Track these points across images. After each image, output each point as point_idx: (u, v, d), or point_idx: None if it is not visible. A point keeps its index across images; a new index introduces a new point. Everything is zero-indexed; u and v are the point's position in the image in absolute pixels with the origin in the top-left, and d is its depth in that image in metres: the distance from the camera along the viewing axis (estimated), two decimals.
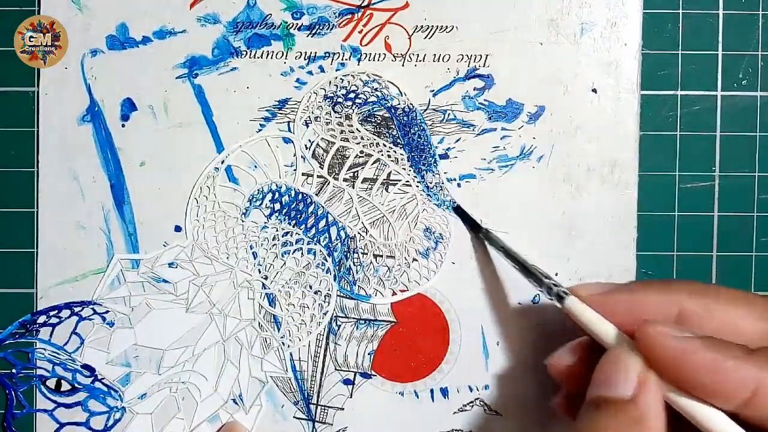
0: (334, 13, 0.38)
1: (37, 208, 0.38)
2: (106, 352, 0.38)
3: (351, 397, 0.38)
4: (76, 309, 0.38)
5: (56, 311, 0.38)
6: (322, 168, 0.39)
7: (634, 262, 0.38)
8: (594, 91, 0.38)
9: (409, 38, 0.38)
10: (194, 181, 0.38)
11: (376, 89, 0.38)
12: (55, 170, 0.38)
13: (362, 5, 0.38)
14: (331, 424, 0.38)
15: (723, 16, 0.39)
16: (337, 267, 0.38)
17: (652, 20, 0.39)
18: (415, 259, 0.38)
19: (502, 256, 0.36)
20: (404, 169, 0.38)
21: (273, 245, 0.38)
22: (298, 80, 0.38)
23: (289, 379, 0.38)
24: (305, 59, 0.38)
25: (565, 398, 0.34)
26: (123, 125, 0.38)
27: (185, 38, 0.38)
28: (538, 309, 0.38)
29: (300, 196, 0.38)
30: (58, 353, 0.38)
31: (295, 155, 0.39)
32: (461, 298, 0.38)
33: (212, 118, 0.38)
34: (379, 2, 0.38)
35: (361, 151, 0.38)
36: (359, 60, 0.38)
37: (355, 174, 0.39)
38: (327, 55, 0.38)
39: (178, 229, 0.38)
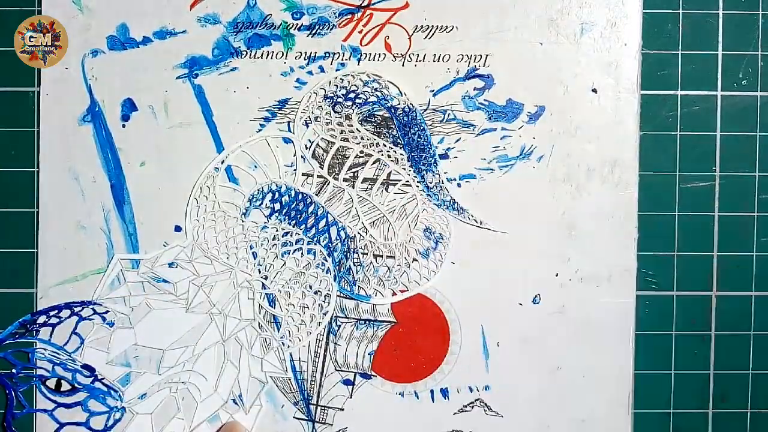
0: (334, 13, 0.38)
1: (37, 208, 0.38)
2: (106, 352, 0.38)
3: (351, 397, 0.38)
4: (76, 309, 0.38)
5: (56, 311, 0.38)
6: (322, 168, 0.39)
7: (634, 262, 0.38)
8: (594, 91, 0.38)
9: (409, 38, 0.38)
10: (194, 181, 0.38)
11: (376, 89, 0.38)
12: (55, 170, 0.38)
13: (362, 5, 0.38)
14: (331, 425, 0.38)
15: (723, 16, 0.39)
16: (337, 267, 0.38)
17: (652, 20, 0.39)
18: (415, 259, 0.38)
19: None
20: (404, 169, 0.38)
21: (273, 245, 0.38)
22: (298, 80, 0.38)
23: (289, 379, 0.38)
24: (305, 59, 0.38)
25: None
26: (123, 125, 0.38)
27: (185, 38, 0.38)
28: (538, 309, 0.38)
29: (300, 196, 0.38)
30: (58, 353, 0.38)
31: (295, 155, 0.39)
32: (461, 298, 0.38)
33: (212, 118, 0.38)
34: (379, 2, 0.38)
35: (361, 151, 0.38)
36: (359, 60, 0.38)
37: (355, 174, 0.39)
38: (327, 55, 0.38)
39: (178, 229, 0.38)
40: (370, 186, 0.39)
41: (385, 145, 0.38)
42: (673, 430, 0.39)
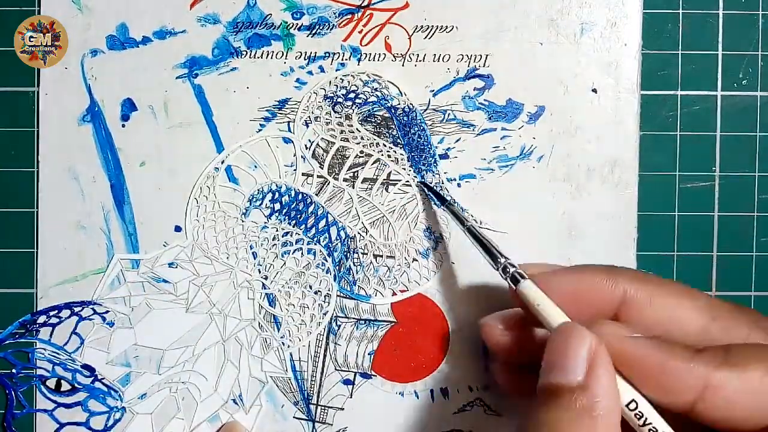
0: (334, 13, 0.38)
1: (37, 208, 0.38)
2: (106, 352, 0.38)
3: (351, 397, 0.38)
4: (76, 309, 0.38)
5: (56, 311, 0.38)
6: (322, 168, 0.39)
7: (634, 262, 0.38)
8: (594, 91, 0.38)
9: (409, 38, 0.38)
10: (194, 181, 0.38)
11: (376, 89, 0.38)
12: (55, 170, 0.38)
13: (362, 5, 0.38)
14: (331, 424, 0.38)
15: (723, 16, 0.39)
16: (337, 267, 0.38)
17: (652, 20, 0.39)
18: (415, 259, 0.38)
19: (464, 232, 0.35)
20: (404, 169, 0.38)
21: (273, 245, 0.38)
22: (298, 80, 0.38)
23: (289, 379, 0.38)
24: (305, 59, 0.38)
25: (500, 366, 0.35)
26: (123, 125, 0.38)
27: (185, 38, 0.38)
28: None
29: (300, 196, 0.38)
30: (58, 353, 0.38)
31: (295, 155, 0.39)
32: (461, 298, 0.38)
33: (212, 118, 0.38)
34: (379, 2, 0.38)
35: (361, 151, 0.38)
36: (359, 60, 0.38)
37: (355, 174, 0.39)
38: (327, 55, 0.38)
39: (178, 229, 0.38)
40: (370, 186, 0.39)
41: (385, 145, 0.38)
42: None
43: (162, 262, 0.38)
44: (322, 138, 0.38)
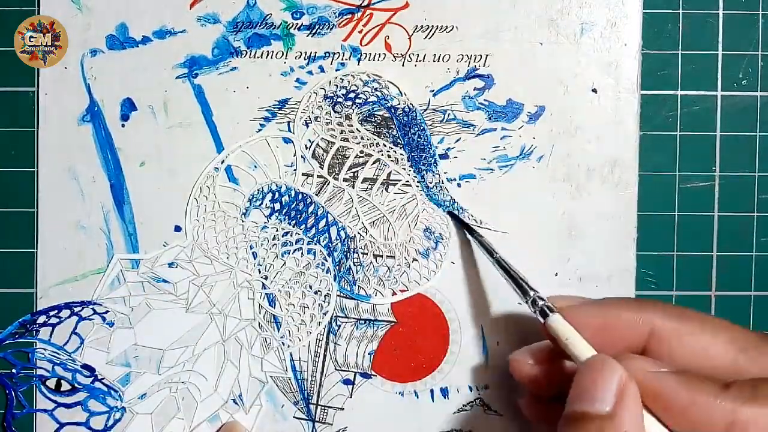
0: (334, 13, 0.38)
1: (37, 208, 0.38)
2: (106, 352, 0.38)
3: (351, 397, 0.38)
4: (76, 309, 0.38)
5: (56, 311, 0.38)
6: (322, 168, 0.39)
7: (634, 262, 0.38)
8: (594, 91, 0.38)
9: (409, 38, 0.38)
10: (194, 181, 0.38)
11: (376, 89, 0.38)
12: (55, 170, 0.38)
13: (362, 5, 0.38)
14: (331, 424, 0.38)
15: (723, 16, 0.39)
16: (337, 267, 0.38)
17: (652, 20, 0.39)
18: (415, 259, 0.38)
19: (492, 262, 0.35)
20: (404, 169, 0.38)
21: (273, 245, 0.38)
22: (298, 80, 0.38)
23: (289, 379, 0.38)
24: (305, 59, 0.38)
25: (528, 399, 0.35)
26: (123, 125, 0.38)
27: (185, 38, 0.38)
28: None
29: (300, 196, 0.38)
30: (58, 353, 0.38)
31: (295, 155, 0.39)
32: (461, 298, 0.38)
33: (212, 118, 0.38)
34: (379, 2, 0.38)
35: (361, 151, 0.38)
36: (359, 60, 0.38)
37: (355, 174, 0.39)
38: (327, 55, 0.38)
39: (178, 229, 0.38)
40: (370, 186, 0.39)
41: (385, 145, 0.38)
42: None
43: (162, 262, 0.38)
44: (322, 138, 0.38)
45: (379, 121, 0.38)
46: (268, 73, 0.38)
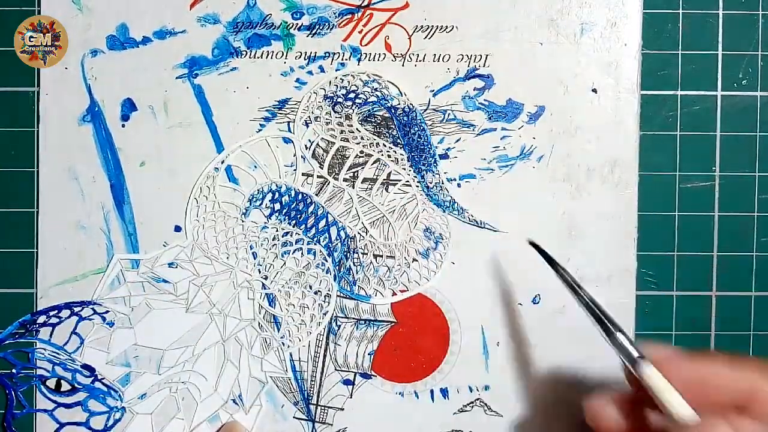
0: (334, 13, 0.38)
1: (37, 208, 0.38)
2: (106, 352, 0.38)
3: (351, 397, 0.38)
4: (76, 309, 0.38)
5: (56, 311, 0.38)
6: (322, 168, 0.39)
7: (634, 262, 0.38)
8: (594, 91, 0.38)
9: (409, 38, 0.38)
10: (194, 181, 0.38)
11: (376, 89, 0.38)
12: (55, 170, 0.38)
13: (362, 5, 0.38)
14: (331, 425, 0.38)
15: (723, 16, 0.39)
16: (337, 267, 0.38)
17: (652, 20, 0.39)
18: (415, 259, 0.38)
19: (577, 301, 0.33)
20: (404, 169, 0.38)
21: (273, 245, 0.38)
22: (298, 80, 0.38)
23: (289, 379, 0.38)
24: (305, 59, 0.38)
25: None
26: (123, 125, 0.38)
27: (185, 38, 0.38)
28: (538, 309, 0.38)
29: (300, 196, 0.38)
30: (58, 353, 0.38)
31: (295, 155, 0.39)
32: (461, 298, 0.38)
33: (212, 118, 0.38)
34: (379, 2, 0.38)
35: (361, 151, 0.38)
36: (359, 60, 0.38)
37: (355, 174, 0.39)
38: (327, 55, 0.38)
39: (178, 229, 0.38)
40: (370, 186, 0.39)
41: (385, 145, 0.38)
42: None
43: (162, 262, 0.38)
44: (322, 138, 0.38)
45: (379, 121, 0.38)
46: (268, 73, 0.38)
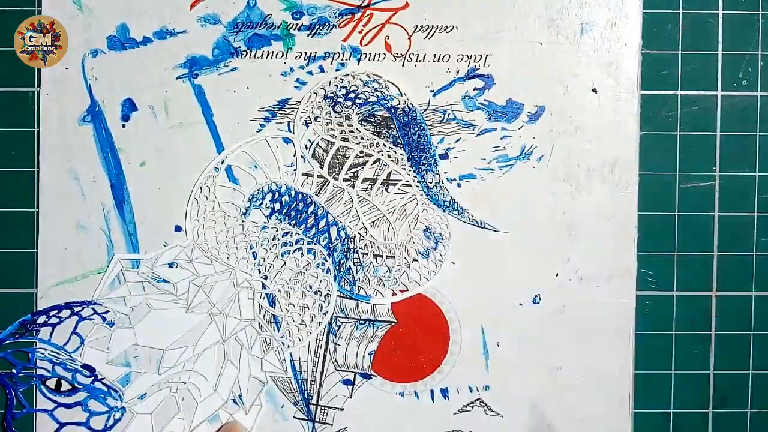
0: (334, 13, 0.38)
1: (37, 208, 0.38)
2: (106, 352, 0.38)
3: (351, 397, 0.38)
4: (76, 309, 0.38)
5: (56, 311, 0.38)
6: (322, 168, 0.39)
7: (634, 262, 0.38)
8: (594, 91, 0.38)
9: (409, 38, 0.38)
10: (194, 181, 0.38)
11: (376, 89, 0.38)
12: (55, 170, 0.38)
13: (362, 5, 0.38)
14: (331, 424, 0.38)
15: (723, 16, 0.39)
16: (337, 267, 0.38)
17: (652, 20, 0.39)
18: (415, 259, 0.38)
19: None
20: (404, 169, 0.38)
21: (273, 245, 0.38)
22: (298, 80, 0.38)
23: (289, 379, 0.38)
24: (305, 59, 0.38)
25: None
26: (123, 125, 0.38)
27: (185, 38, 0.38)
28: (538, 309, 0.38)
29: (300, 196, 0.39)
30: (58, 353, 0.38)
31: (295, 155, 0.39)
32: (461, 298, 0.38)
33: (212, 118, 0.38)
34: (379, 2, 0.38)
35: (361, 151, 0.38)
36: (359, 60, 0.38)
37: (355, 174, 0.39)
38: (327, 55, 0.38)
39: (178, 229, 0.38)
40: (370, 186, 0.39)
41: (385, 145, 0.38)
42: (673, 430, 0.39)
43: (162, 262, 0.38)
44: (322, 138, 0.38)
45: (379, 121, 0.38)
46: (268, 73, 0.38)
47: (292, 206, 0.39)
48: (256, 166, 0.38)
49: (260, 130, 0.38)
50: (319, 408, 0.38)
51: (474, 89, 0.38)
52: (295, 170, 0.39)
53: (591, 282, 0.38)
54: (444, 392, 0.38)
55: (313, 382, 0.38)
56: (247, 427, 0.38)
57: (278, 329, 0.38)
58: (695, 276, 0.39)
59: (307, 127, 0.38)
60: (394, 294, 0.38)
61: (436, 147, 0.38)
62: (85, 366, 0.38)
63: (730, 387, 0.39)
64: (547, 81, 0.38)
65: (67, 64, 0.38)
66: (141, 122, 0.38)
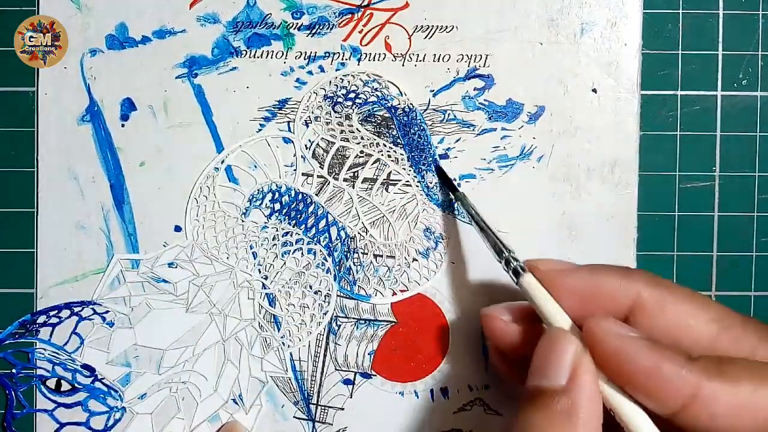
0: (334, 13, 0.38)
1: (37, 208, 0.38)
2: (106, 352, 0.38)
3: (351, 397, 0.38)
4: (76, 309, 0.38)
5: (56, 311, 0.38)
6: (322, 168, 0.39)
7: (634, 262, 0.38)
8: (594, 91, 0.38)
9: (409, 38, 0.38)
10: (194, 181, 0.38)
11: (376, 89, 0.38)
12: (54, 170, 0.38)
13: (362, 5, 0.38)
14: (331, 424, 0.38)
15: (723, 16, 0.39)
16: (337, 267, 0.38)
17: (652, 20, 0.39)
18: (415, 259, 0.38)
19: (472, 224, 0.35)
20: (404, 169, 0.38)
21: (273, 245, 0.38)
22: (298, 80, 0.38)
23: (289, 379, 0.38)
24: (305, 59, 0.38)
25: (495, 354, 0.35)
26: (123, 125, 0.38)
27: (185, 38, 0.38)
28: None
29: (300, 196, 0.38)
30: (58, 353, 0.38)
31: (295, 155, 0.39)
32: (461, 298, 0.38)
33: (212, 118, 0.38)
34: (379, 2, 0.38)
35: (361, 151, 0.38)
36: (359, 60, 0.38)
37: (355, 174, 0.39)
38: (327, 55, 0.38)
39: (178, 229, 0.38)
40: (370, 186, 0.39)
41: (385, 145, 0.38)
42: None
43: (162, 262, 0.38)
44: (322, 138, 0.38)
45: (379, 121, 0.38)
46: (268, 73, 0.38)
47: (292, 206, 0.39)
48: (256, 166, 0.38)
49: (260, 130, 0.38)
50: (319, 408, 0.38)
51: (474, 89, 0.38)
52: (295, 170, 0.39)
53: None
54: (444, 392, 0.38)
55: (313, 382, 0.38)
56: (247, 427, 0.38)
57: (278, 329, 0.38)
58: (695, 276, 0.39)
59: (307, 127, 0.38)
60: (394, 294, 0.38)
61: (436, 147, 0.38)
62: (85, 366, 0.38)
63: None
64: (547, 81, 0.38)
65: (66, 64, 0.38)
66: (140, 122, 0.38)
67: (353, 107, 0.38)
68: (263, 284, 0.38)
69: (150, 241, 0.38)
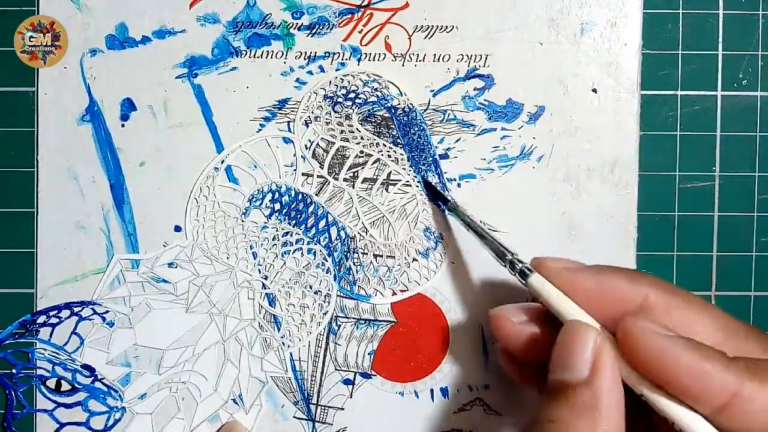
0: (334, 13, 0.38)
1: (37, 208, 0.38)
2: (106, 352, 0.38)
3: (351, 397, 0.38)
4: (76, 309, 0.38)
5: (56, 311, 0.38)
6: (322, 168, 0.39)
7: (634, 262, 0.38)
8: (594, 91, 0.38)
9: (409, 38, 0.38)
10: (194, 181, 0.38)
11: (376, 89, 0.38)
12: (54, 170, 0.38)
13: (362, 5, 0.38)
14: (331, 424, 0.38)
15: (723, 16, 0.39)
16: (337, 267, 0.38)
17: (652, 20, 0.39)
18: (415, 259, 0.38)
19: (469, 231, 0.35)
20: (404, 169, 0.38)
21: (273, 245, 0.38)
22: (298, 80, 0.38)
23: (289, 379, 0.38)
24: (305, 59, 0.38)
25: (505, 356, 0.34)
26: (123, 125, 0.38)
27: (185, 38, 0.38)
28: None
29: (300, 196, 0.38)
30: (58, 353, 0.38)
31: (295, 155, 0.39)
32: (461, 298, 0.38)
33: (212, 118, 0.38)
34: (379, 2, 0.38)
35: (361, 151, 0.38)
36: (359, 60, 0.38)
37: (355, 174, 0.39)
38: (327, 54, 0.38)
39: (178, 229, 0.38)
40: (370, 186, 0.39)
41: (385, 145, 0.38)
42: None
43: (162, 262, 0.38)
44: (322, 138, 0.38)
45: (379, 121, 0.38)
46: (268, 73, 0.38)
47: (292, 206, 0.39)
48: (256, 166, 0.38)
49: (260, 130, 0.38)
50: (319, 408, 0.38)
51: (474, 89, 0.38)
52: (295, 170, 0.39)
53: None
54: (444, 392, 0.38)
55: (313, 382, 0.38)
56: (247, 426, 0.38)
57: (278, 329, 0.38)
58: (695, 276, 0.39)
59: (307, 127, 0.38)
60: (394, 294, 0.38)
61: (436, 147, 0.38)
62: (85, 366, 0.38)
63: None
64: (547, 81, 0.38)
65: (66, 64, 0.38)
66: (140, 122, 0.38)
67: (353, 107, 0.38)
68: (263, 284, 0.38)
69: (150, 241, 0.38)
